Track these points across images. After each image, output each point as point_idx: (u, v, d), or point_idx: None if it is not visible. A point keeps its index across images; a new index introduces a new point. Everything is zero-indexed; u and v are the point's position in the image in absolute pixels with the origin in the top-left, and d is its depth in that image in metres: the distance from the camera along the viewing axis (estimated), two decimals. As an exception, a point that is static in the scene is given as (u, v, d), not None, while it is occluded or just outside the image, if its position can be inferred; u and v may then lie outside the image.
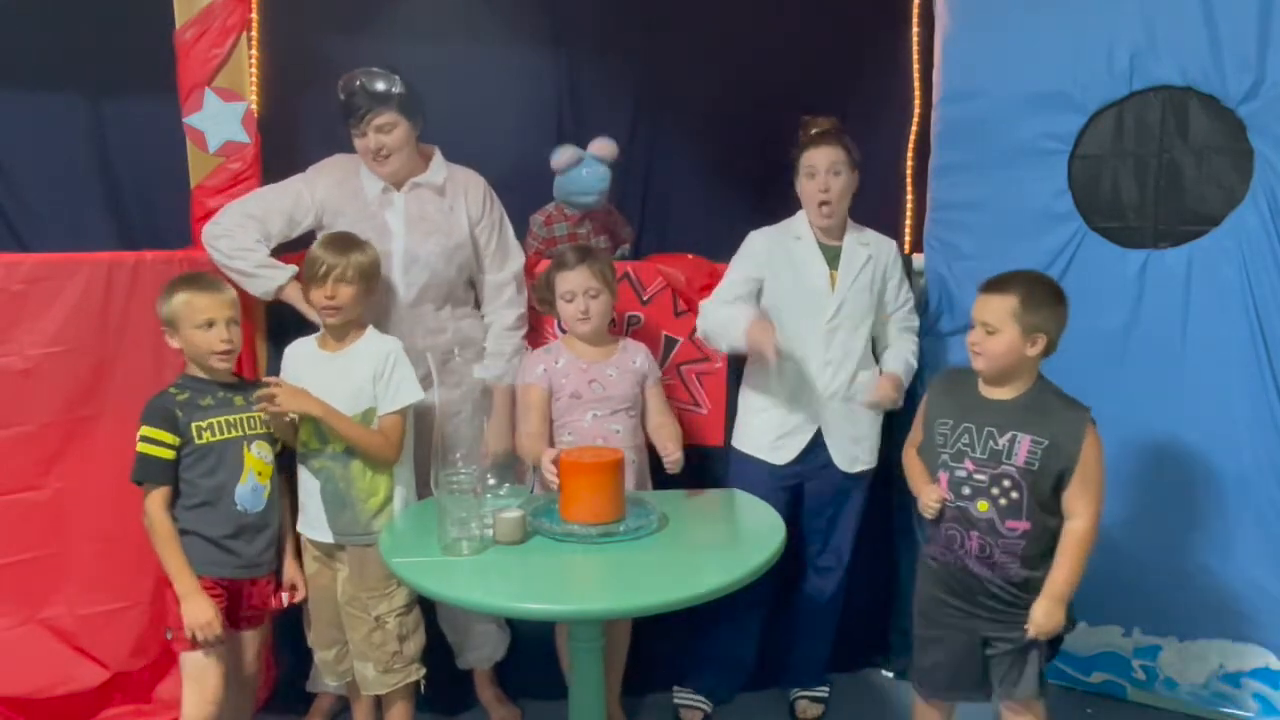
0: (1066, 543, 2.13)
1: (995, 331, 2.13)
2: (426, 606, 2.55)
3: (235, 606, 2.32)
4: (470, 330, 2.71)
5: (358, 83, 2.53)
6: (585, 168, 2.89)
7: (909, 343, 2.82)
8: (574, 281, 2.52)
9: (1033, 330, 2.12)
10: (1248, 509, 2.71)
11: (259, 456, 2.31)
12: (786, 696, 3.00)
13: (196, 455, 2.23)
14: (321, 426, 2.34)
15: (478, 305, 2.77)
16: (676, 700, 2.92)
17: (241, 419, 2.30)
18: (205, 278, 2.32)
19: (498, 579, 2.01)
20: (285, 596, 2.45)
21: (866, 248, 2.72)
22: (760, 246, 2.72)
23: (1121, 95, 2.76)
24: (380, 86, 2.52)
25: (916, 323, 2.88)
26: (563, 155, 2.90)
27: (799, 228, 2.74)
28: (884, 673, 3.15)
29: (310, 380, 2.36)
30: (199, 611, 2.20)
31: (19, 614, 2.50)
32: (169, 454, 2.21)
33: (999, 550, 2.17)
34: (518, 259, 2.76)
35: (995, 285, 2.17)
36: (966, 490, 2.20)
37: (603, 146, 2.91)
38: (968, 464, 2.19)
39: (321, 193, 2.61)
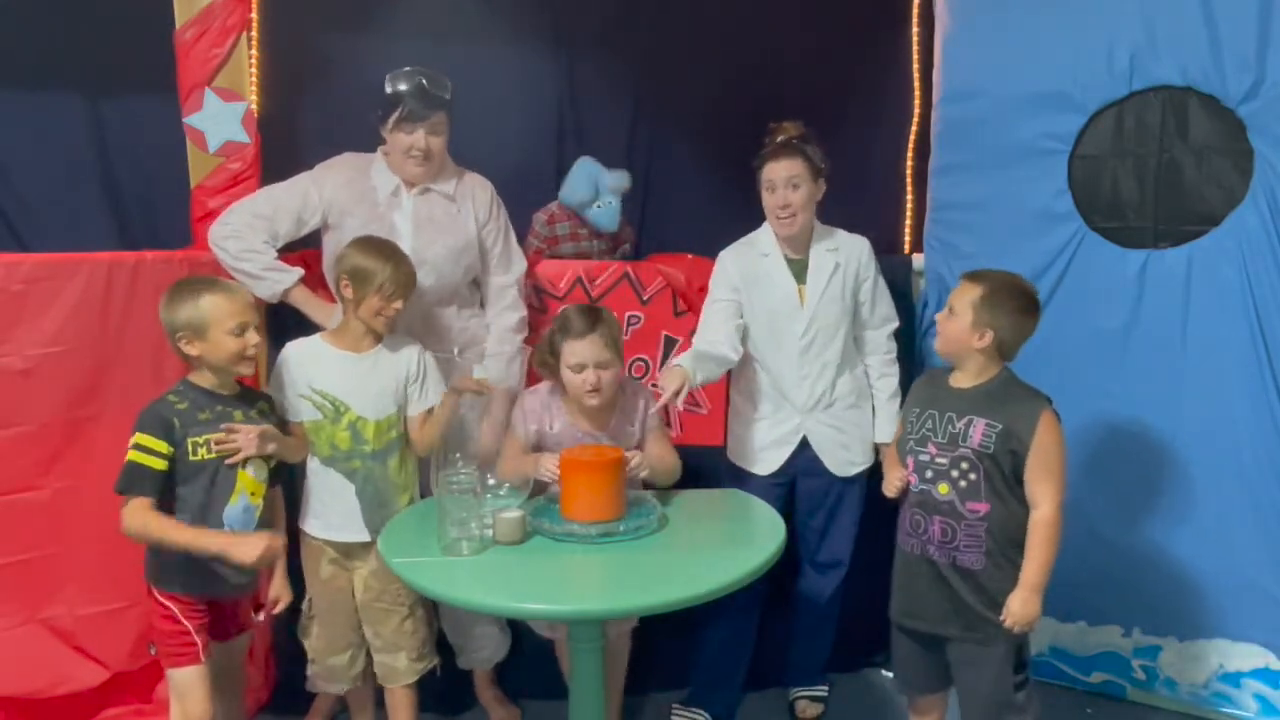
0: (1033, 532, 2.16)
1: (953, 314, 2.21)
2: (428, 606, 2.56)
3: (220, 621, 2.26)
4: (476, 330, 2.72)
5: (419, 81, 2.51)
6: (600, 201, 2.88)
7: (891, 382, 2.76)
8: (583, 353, 2.34)
9: (983, 325, 2.17)
10: (1248, 509, 2.71)
11: (254, 476, 2.21)
12: (786, 696, 3.00)
13: (189, 471, 2.13)
14: (359, 427, 2.36)
15: (483, 306, 2.77)
16: (675, 718, 2.90)
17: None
18: (220, 280, 2.23)
19: (498, 579, 2.01)
20: (262, 615, 2.39)
21: (834, 254, 2.67)
22: (731, 267, 2.70)
23: (1121, 95, 2.77)
24: (439, 87, 2.54)
25: (895, 350, 2.80)
26: (580, 193, 2.88)
27: (765, 243, 2.70)
28: (884, 673, 3.15)
29: (336, 381, 2.36)
30: (250, 549, 2.05)
31: (19, 614, 2.49)
32: (161, 465, 2.08)
33: (962, 533, 2.19)
34: (520, 264, 2.76)
35: (974, 274, 2.25)
36: (929, 474, 2.23)
37: (619, 181, 2.90)
38: (930, 448, 2.23)
39: (330, 191, 2.60)
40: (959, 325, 2.19)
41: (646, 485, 2.45)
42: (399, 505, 2.43)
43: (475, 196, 2.68)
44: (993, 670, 2.20)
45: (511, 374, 2.69)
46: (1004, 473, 2.15)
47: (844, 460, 2.73)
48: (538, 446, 2.47)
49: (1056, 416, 2.16)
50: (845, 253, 2.69)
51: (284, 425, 2.33)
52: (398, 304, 2.37)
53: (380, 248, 2.39)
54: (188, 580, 2.16)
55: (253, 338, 2.16)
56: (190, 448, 2.12)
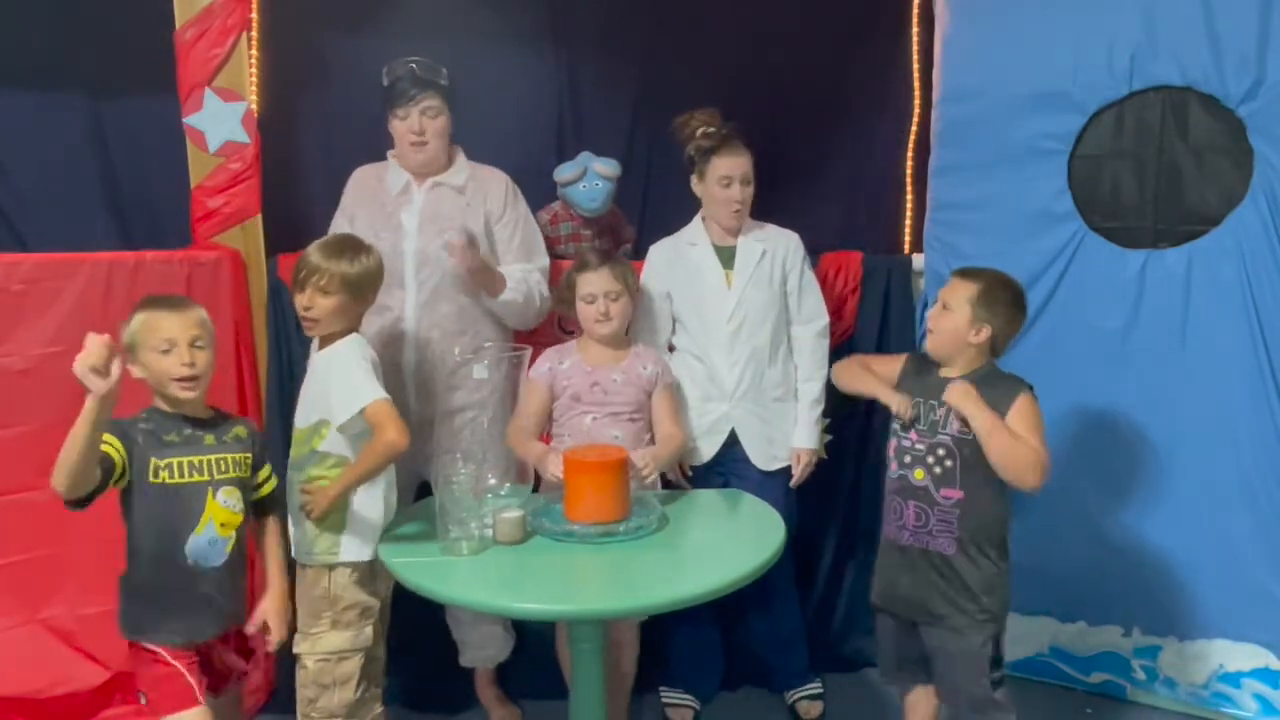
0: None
1: (949, 310, 2.23)
2: (434, 603, 2.54)
3: (210, 674, 2.08)
4: (490, 330, 2.70)
5: (409, 66, 2.56)
6: (584, 182, 2.90)
7: (815, 387, 2.76)
8: (595, 283, 2.52)
9: (980, 320, 2.21)
10: (1247, 509, 2.71)
11: (225, 505, 2.03)
12: (785, 699, 2.99)
13: (150, 495, 1.96)
14: (294, 435, 2.26)
15: None
16: (664, 700, 2.92)
17: (209, 461, 2.02)
18: (170, 298, 2.06)
19: (497, 578, 2.01)
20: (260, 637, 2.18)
21: (762, 243, 2.73)
22: (658, 260, 2.77)
23: (1121, 95, 2.77)
24: (430, 72, 2.58)
25: (823, 352, 2.80)
26: (567, 172, 2.91)
27: (694, 233, 2.77)
28: (883, 672, 3.15)
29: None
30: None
31: (19, 614, 2.50)
32: (112, 451, 1.89)
33: (934, 518, 2.22)
34: (543, 258, 2.76)
35: (966, 271, 2.28)
36: (908, 459, 2.26)
37: (605, 168, 2.91)
38: (912, 434, 2.25)
39: (350, 208, 2.65)
40: (955, 321, 2.22)
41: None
42: (309, 526, 2.20)
43: (488, 191, 2.68)
44: (968, 662, 2.22)
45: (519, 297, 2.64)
46: (980, 459, 2.16)
47: (768, 454, 2.74)
48: (551, 392, 2.54)
49: (1034, 399, 2.18)
50: (773, 242, 2.75)
51: (264, 450, 2.18)
52: (314, 301, 2.18)
53: (331, 241, 2.29)
54: (170, 627, 2.00)
55: (181, 356, 1.96)
56: (152, 469, 1.96)
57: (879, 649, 2.46)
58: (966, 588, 2.20)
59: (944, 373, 2.27)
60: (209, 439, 2.04)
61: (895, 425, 2.30)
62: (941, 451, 2.20)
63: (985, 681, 2.22)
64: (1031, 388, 2.20)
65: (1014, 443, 2.12)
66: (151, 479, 1.96)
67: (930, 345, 2.30)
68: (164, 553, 1.99)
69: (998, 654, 2.24)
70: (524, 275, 2.67)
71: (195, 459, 2.01)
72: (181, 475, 1.99)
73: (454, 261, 2.50)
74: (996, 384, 2.21)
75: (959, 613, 2.21)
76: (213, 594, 2.04)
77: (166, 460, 1.97)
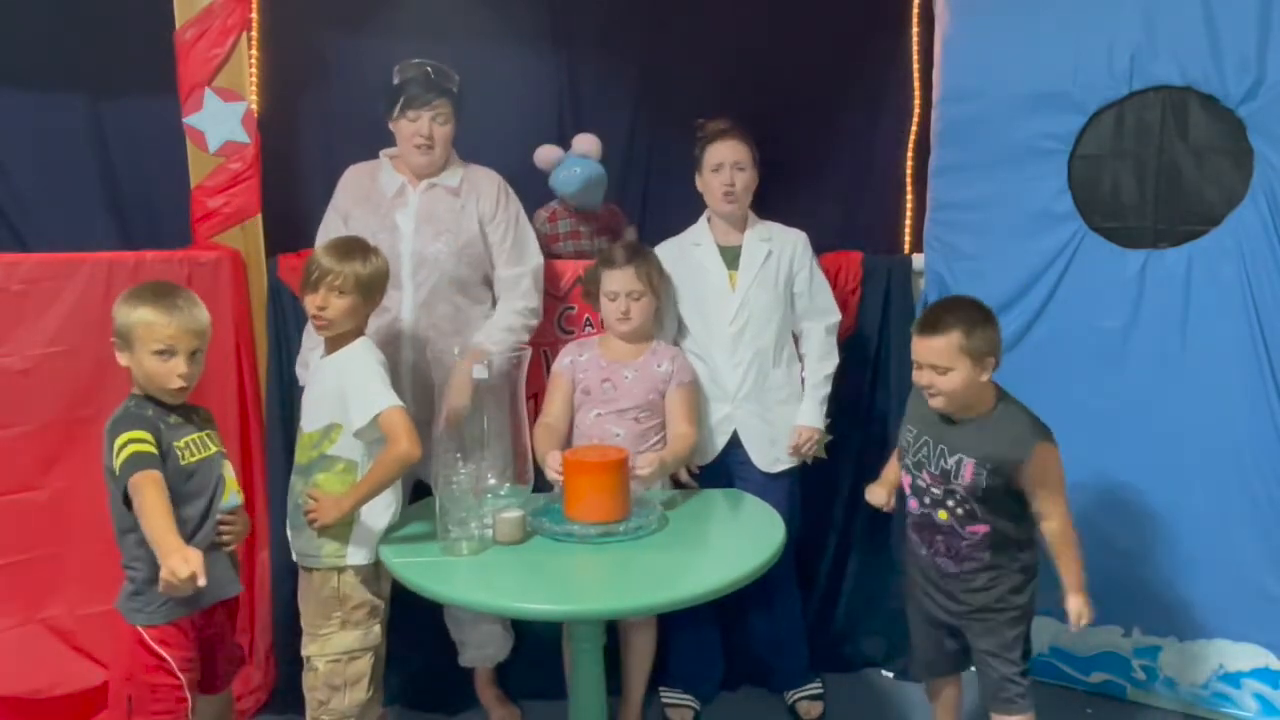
0: (1054, 544, 2.20)
1: (948, 370, 2.11)
2: (434, 603, 2.55)
3: (210, 667, 2.09)
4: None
5: (424, 69, 2.56)
6: (562, 169, 2.90)
7: (823, 369, 2.76)
8: (619, 281, 2.55)
9: (982, 356, 2.11)
10: (1247, 509, 2.71)
11: (229, 475, 2.08)
12: (785, 699, 2.99)
13: (186, 476, 1.96)
14: (300, 439, 2.27)
15: (494, 306, 2.75)
16: (664, 700, 2.92)
17: (205, 436, 2.05)
18: (176, 295, 1.98)
19: (497, 579, 2.02)
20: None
21: (767, 243, 2.74)
22: (662, 260, 2.73)
23: (1121, 95, 2.76)
24: (444, 77, 2.58)
25: (833, 345, 2.80)
26: (543, 154, 2.91)
27: (699, 233, 2.79)
28: (884, 673, 3.15)
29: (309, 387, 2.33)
30: (182, 563, 1.72)
31: (19, 614, 2.50)
32: (152, 450, 1.89)
33: (964, 548, 2.22)
34: (535, 258, 2.74)
35: (931, 325, 2.12)
36: (928, 500, 2.24)
37: (582, 142, 2.91)
38: (926, 475, 2.23)
39: (344, 206, 2.63)
40: (962, 375, 2.11)
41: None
42: (312, 536, 2.21)
43: (481, 190, 2.68)
44: (999, 655, 2.23)
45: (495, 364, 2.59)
46: (998, 499, 2.16)
47: (770, 456, 2.73)
48: (572, 384, 2.58)
49: (1053, 445, 2.15)
50: (779, 242, 2.75)
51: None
52: (329, 301, 2.19)
53: (341, 242, 2.29)
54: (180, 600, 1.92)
55: (179, 366, 1.94)
56: (179, 452, 1.96)
57: (912, 650, 2.48)
58: (997, 594, 2.21)
59: (958, 423, 2.19)
60: (195, 418, 2.07)
61: (907, 461, 2.28)
62: (959, 497, 2.19)
63: (1015, 673, 2.23)
64: (1048, 433, 2.15)
65: (1077, 547, 2.19)
66: (182, 461, 1.96)
67: (941, 406, 2.17)
68: (206, 523, 1.99)
69: (1027, 647, 2.26)
70: (507, 313, 2.63)
71: (198, 436, 2.03)
72: (200, 451, 2.01)
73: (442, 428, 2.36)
74: (1008, 434, 2.13)
75: (991, 612, 2.22)
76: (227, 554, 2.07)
77: (183, 440, 1.98)
